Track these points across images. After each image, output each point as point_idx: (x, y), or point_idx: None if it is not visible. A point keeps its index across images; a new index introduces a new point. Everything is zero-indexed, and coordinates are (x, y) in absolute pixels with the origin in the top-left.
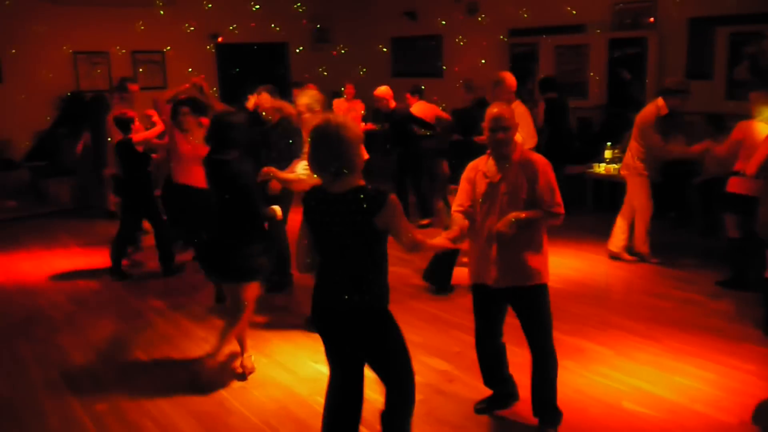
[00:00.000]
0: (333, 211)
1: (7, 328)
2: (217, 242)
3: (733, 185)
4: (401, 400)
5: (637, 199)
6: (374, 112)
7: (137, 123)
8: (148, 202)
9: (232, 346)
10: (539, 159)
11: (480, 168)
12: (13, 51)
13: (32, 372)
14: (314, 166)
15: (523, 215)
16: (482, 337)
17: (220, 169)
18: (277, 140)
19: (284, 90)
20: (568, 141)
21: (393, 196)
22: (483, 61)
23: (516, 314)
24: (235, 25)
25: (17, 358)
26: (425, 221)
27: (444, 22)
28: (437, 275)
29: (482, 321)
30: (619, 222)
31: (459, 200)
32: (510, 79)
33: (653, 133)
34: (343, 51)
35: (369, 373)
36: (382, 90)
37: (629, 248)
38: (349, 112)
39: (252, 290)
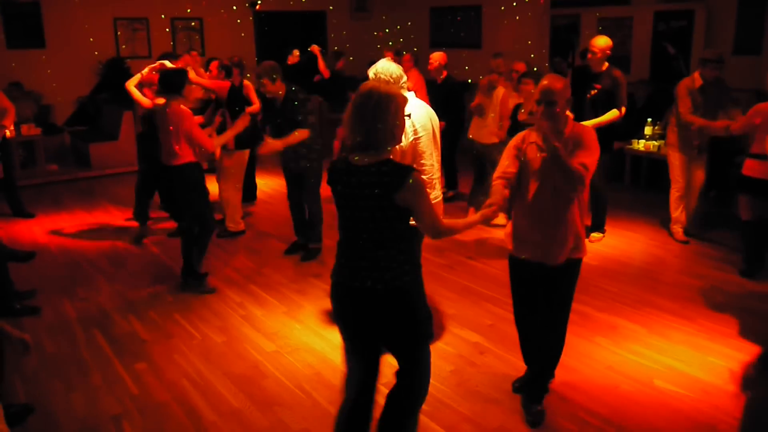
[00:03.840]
0: (354, 183)
1: (50, 287)
2: None
3: (749, 168)
4: (410, 389)
5: (669, 172)
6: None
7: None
8: None
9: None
10: (588, 130)
11: (531, 140)
12: (62, 23)
13: (75, 330)
14: (346, 130)
15: (567, 161)
16: (523, 313)
17: None
18: (291, 114)
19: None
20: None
21: (417, 175)
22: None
23: (546, 288)
24: None
25: (60, 316)
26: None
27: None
28: None
29: (525, 297)
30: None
31: (503, 167)
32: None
33: (680, 101)
34: (386, 30)
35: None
36: (437, 56)
37: (685, 228)
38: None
39: None
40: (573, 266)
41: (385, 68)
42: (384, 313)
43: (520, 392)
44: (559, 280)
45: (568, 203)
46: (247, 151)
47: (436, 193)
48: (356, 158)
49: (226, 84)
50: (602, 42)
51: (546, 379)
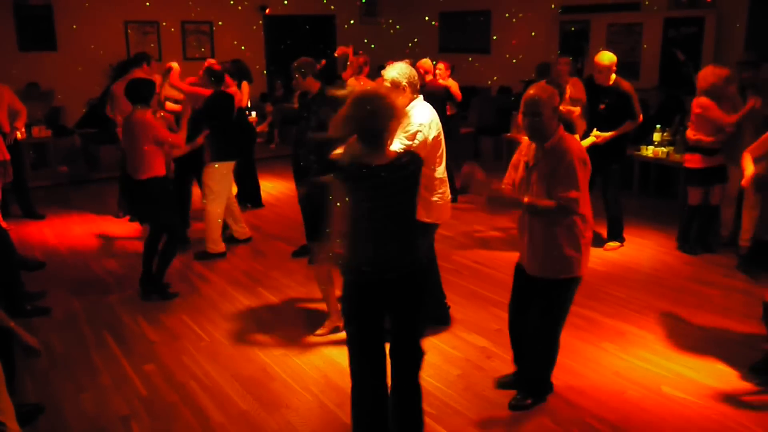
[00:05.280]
0: (386, 180)
1: (60, 288)
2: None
3: (691, 161)
4: (420, 360)
5: None
6: None
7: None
8: None
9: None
10: (570, 148)
11: (524, 152)
12: (74, 27)
13: (84, 331)
14: (358, 134)
15: (539, 203)
16: (512, 312)
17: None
18: (317, 110)
19: (331, 64)
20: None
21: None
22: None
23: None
24: None
25: (70, 317)
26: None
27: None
28: None
29: (514, 296)
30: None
31: (507, 175)
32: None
33: None
34: (397, 27)
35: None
36: (422, 63)
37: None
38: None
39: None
40: (558, 286)
41: (402, 72)
42: (418, 293)
43: (505, 388)
44: (545, 294)
45: (549, 222)
46: (231, 164)
47: (437, 196)
48: (371, 159)
49: (206, 92)
50: (607, 59)
51: (533, 384)
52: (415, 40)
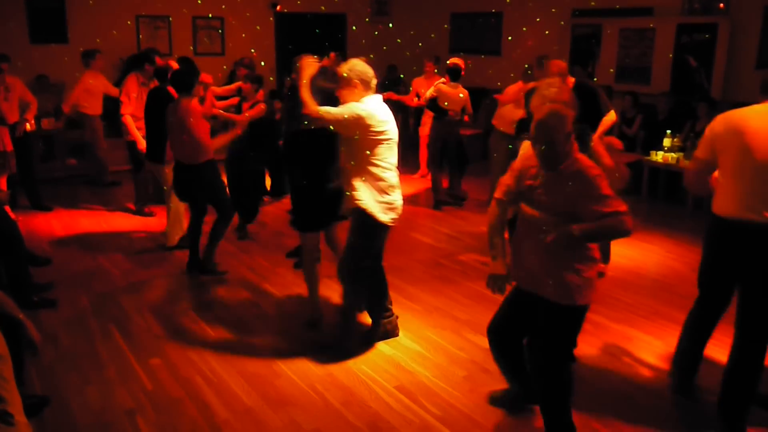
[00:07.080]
0: None
1: (67, 281)
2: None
3: None
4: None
5: None
6: None
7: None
8: None
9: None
10: (587, 165)
11: (533, 162)
12: (86, 20)
13: (91, 323)
14: None
15: (590, 226)
16: (499, 338)
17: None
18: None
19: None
20: None
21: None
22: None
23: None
24: None
25: (77, 310)
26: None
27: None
28: None
29: (503, 322)
30: None
31: (504, 185)
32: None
33: None
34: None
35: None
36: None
37: None
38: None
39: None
40: (573, 313)
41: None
42: None
43: (498, 406)
44: (555, 322)
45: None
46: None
47: (394, 197)
48: None
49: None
50: (554, 65)
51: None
52: (419, 44)
